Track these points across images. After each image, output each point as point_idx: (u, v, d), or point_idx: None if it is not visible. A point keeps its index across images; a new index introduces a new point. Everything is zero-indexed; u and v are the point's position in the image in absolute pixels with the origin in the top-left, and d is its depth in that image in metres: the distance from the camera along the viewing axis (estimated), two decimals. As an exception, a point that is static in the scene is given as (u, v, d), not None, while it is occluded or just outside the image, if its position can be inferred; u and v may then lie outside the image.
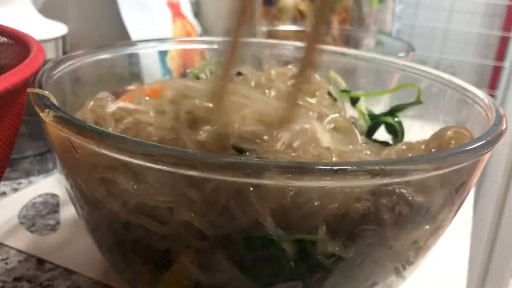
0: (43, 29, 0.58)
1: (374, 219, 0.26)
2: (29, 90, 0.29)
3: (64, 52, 0.60)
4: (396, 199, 0.26)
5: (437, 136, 0.34)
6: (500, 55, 0.85)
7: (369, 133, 0.44)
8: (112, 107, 0.34)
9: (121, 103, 0.34)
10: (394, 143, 0.43)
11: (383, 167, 0.23)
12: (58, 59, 0.37)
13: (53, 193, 0.49)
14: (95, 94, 0.38)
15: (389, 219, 0.26)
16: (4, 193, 0.49)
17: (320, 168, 0.23)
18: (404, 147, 0.35)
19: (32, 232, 0.43)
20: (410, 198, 0.27)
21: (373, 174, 0.23)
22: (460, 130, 0.34)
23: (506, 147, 0.85)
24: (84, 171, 0.28)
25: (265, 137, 0.29)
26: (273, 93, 0.38)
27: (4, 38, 0.39)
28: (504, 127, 0.30)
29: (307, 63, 0.31)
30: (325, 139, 0.31)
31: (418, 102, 0.42)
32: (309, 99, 0.37)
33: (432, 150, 0.34)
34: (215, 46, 0.48)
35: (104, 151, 0.24)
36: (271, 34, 0.74)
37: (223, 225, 0.26)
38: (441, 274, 0.41)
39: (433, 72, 0.42)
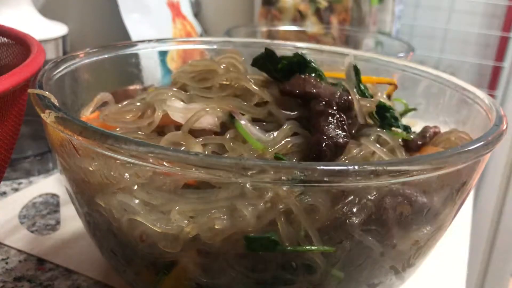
0: (43, 29, 0.58)
1: (377, 219, 0.26)
2: (29, 91, 0.29)
3: (65, 52, 0.60)
4: (398, 199, 0.26)
5: (443, 140, 0.35)
6: (500, 55, 0.85)
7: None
8: None
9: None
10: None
11: (385, 168, 0.23)
12: (58, 59, 0.37)
13: (53, 193, 0.49)
14: (95, 94, 0.38)
15: (391, 219, 0.26)
16: (4, 193, 0.49)
17: (323, 168, 0.23)
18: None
19: (32, 232, 0.43)
20: (412, 198, 0.27)
21: (376, 174, 0.23)
22: (460, 134, 0.34)
23: (506, 147, 0.85)
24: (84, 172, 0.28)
25: None
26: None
27: (5, 39, 0.39)
28: (504, 127, 0.30)
29: None
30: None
31: (411, 109, 0.43)
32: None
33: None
34: (215, 46, 0.48)
35: (105, 152, 0.24)
36: (271, 34, 0.74)
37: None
38: (440, 274, 0.41)
39: (433, 72, 0.42)
